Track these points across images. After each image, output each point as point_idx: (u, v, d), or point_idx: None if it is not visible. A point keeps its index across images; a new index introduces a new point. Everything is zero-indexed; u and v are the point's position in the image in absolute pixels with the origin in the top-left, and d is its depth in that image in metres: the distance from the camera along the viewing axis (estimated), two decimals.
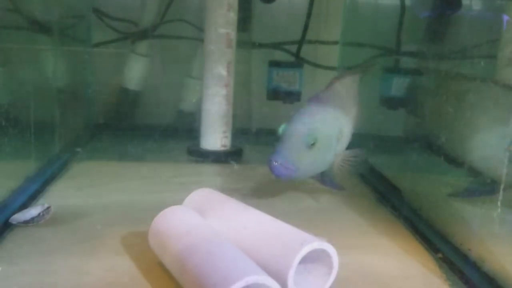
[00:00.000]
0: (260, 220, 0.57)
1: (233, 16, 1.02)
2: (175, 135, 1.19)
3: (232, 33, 1.03)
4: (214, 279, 0.43)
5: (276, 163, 0.69)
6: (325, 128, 0.74)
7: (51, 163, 0.90)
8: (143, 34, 1.23)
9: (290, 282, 0.49)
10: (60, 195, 0.78)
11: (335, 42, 1.28)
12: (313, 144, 0.71)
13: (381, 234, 0.70)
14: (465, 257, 0.60)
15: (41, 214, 0.65)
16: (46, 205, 0.67)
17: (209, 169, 0.98)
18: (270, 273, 0.47)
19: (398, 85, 1.19)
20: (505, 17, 0.75)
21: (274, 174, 0.71)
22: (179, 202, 0.62)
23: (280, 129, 0.73)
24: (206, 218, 0.59)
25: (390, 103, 1.21)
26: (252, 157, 1.07)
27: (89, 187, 0.82)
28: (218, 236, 0.52)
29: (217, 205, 0.61)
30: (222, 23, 1.01)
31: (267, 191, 0.86)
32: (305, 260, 0.51)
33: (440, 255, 0.63)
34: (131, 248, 0.61)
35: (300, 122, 0.73)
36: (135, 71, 1.24)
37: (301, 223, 0.56)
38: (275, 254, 0.51)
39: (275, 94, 1.25)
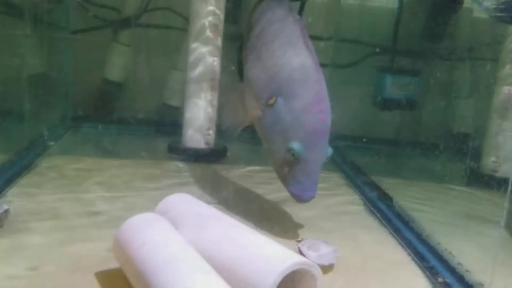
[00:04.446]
0: (238, 232, 0.52)
1: (220, 6, 0.96)
2: (157, 130, 1.14)
3: (219, 25, 0.96)
4: None
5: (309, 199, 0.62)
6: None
7: (18, 157, 0.83)
8: (126, 23, 1.16)
9: None
10: (23, 194, 0.71)
11: (329, 39, 1.22)
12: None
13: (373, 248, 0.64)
14: (461, 279, 0.54)
15: None
16: (4, 207, 0.61)
17: (190, 169, 0.92)
18: None
19: (394, 86, 1.14)
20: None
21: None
22: (151, 208, 0.56)
23: (298, 150, 0.60)
24: (178, 227, 0.53)
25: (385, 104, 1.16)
26: (236, 157, 1.01)
27: (55, 186, 0.75)
28: (185, 249, 0.46)
29: (191, 214, 0.55)
30: (208, 14, 0.95)
31: (248, 193, 0.80)
32: (286, 279, 0.46)
33: (440, 279, 0.57)
34: (90, 259, 0.54)
35: (323, 140, 0.61)
36: (117, 62, 1.18)
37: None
38: (254, 270, 0.46)
39: None
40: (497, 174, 0.91)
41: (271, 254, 0.47)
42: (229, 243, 0.50)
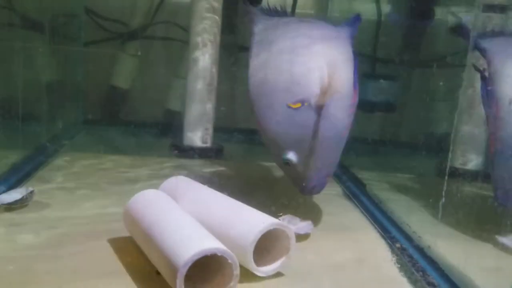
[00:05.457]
0: (226, 203, 0.62)
1: (217, 18, 1.07)
2: (160, 132, 1.24)
3: (217, 36, 1.08)
4: (174, 251, 0.48)
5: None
6: None
7: (37, 153, 0.94)
8: (133, 35, 1.28)
9: (250, 256, 0.53)
10: (44, 181, 0.82)
11: None
12: None
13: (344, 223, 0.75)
14: (414, 243, 0.65)
15: (25, 197, 0.69)
16: (30, 189, 0.71)
17: (188, 164, 1.03)
18: (233, 247, 0.52)
19: (375, 90, 1.25)
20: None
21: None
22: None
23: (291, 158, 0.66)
24: (178, 200, 0.63)
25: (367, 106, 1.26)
26: (232, 154, 1.12)
27: (70, 176, 0.87)
28: (183, 215, 0.57)
29: (189, 189, 0.66)
30: (206, 25, 1.06)
31: (239, 180, 0.91)
32: (266, 240, 0.56)
33: (398, 245, 0.68)
34: (103, 229, 0.64)
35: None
36: (124, 70, 1.29)
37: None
38: (239, 230, 0.56)
39: None
40: (465, 167, 1.02)
41: (253, 218, 0.58)
42: (219, 210, 0.60)
